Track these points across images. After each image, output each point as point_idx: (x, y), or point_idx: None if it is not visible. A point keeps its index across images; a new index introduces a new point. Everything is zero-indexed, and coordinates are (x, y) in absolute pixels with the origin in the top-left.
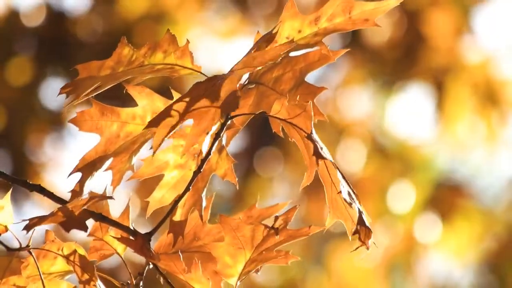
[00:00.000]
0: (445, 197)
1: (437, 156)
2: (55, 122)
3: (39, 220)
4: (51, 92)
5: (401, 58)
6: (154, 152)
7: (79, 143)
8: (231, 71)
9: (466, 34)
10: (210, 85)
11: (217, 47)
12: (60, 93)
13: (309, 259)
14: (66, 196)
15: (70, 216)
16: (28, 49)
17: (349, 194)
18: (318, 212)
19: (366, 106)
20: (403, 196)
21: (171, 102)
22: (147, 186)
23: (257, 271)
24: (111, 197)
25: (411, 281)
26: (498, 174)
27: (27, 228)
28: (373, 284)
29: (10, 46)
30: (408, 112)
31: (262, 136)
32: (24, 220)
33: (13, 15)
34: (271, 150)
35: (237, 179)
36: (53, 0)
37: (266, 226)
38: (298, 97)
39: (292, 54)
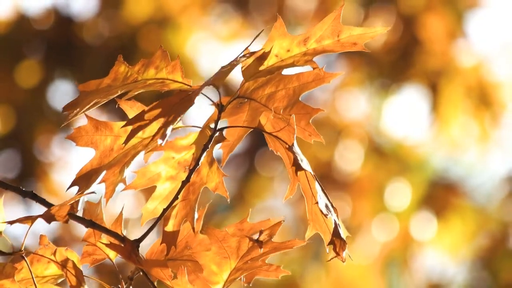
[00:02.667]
0: (440, 196)
1: (432, 156)
2: (62, 123)
3: (26, 218)
4: (59, 94)
5: (397, 61)
6: (125, 143)
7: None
8: (208, 80)
9: (460, 38)
10: (188, 95)
11: (219, 51)
12: (63, 111)
13: (307, 256)
14: (72, 196)
15: (55, 215)
16: (36, 52)
17: (326, 206)
18: None
19: (363, 107)
20: (399, 194)
21: None
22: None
23: (249, 282)
24: (93, 192)
25: (407, 276)
26: (490, 173)
27: (10, 222)
28: (370, 279)
29: (19, 49)
30: (404, 113)
31: (263, 136)
32: (9, 222)
33: (22, 19)
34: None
35: (238, 177)
36: (61, 5)
37: (251, 239)
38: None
39: (284, 72)
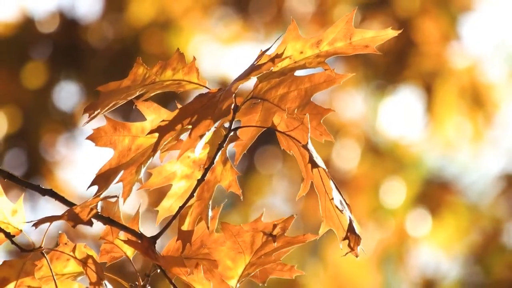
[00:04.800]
0: (434, 193)
1: (427, 154)
2: (68, 122)
3: (48, 219)
4: (64, 95)
5: (392, 63)
6: (153, 153)
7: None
8: (230, 85)
9: (454, 40)
10: (211, 97)
11: (220, 52)
12: (84, 113)
13: (306, 251)
14: (78, 194)
15: (79, 216)
16: (42, 54)
17: (340, 202)
18: (314, 208)
19: (360, 107)
20: (395, 192)
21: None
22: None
23: (263, 282)
24: (115, 196)
25: (402, 271)
26: (483, 171)
27: (35, 225)
28: (367, 274)
29: (26, 51)
30: (399, 114)
31: (263, 135)
32: (36, 220)
33: (29, 22)
34: (271, 148)
35: (238, 175)
36: (66, 8)
37: (264, 233)
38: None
39: (296, 73)
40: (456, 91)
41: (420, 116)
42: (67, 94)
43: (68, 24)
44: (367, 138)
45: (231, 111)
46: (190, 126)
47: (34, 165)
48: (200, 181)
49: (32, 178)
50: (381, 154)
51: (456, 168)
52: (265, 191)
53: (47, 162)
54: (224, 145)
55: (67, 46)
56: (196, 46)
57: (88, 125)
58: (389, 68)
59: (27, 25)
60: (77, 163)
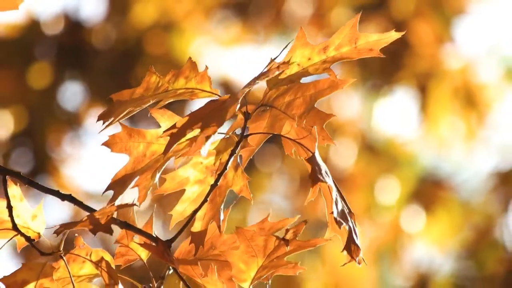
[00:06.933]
0: (428, 191)
1: (421, 153)
2: (72, 121)
3: (69, 225)
4: (69, 95)
5: (388, 64)
6: (164, 154)
7: (94, 141)
8: (238, 92)
9: (447, 42)
10: (221, 104)
11: (220, 54)
12: (98, 120)
13: None
14: (83, 191)
15: (98, 223)
16: (47, 55)
17: (342, 212)
18: (313, 204)
19: (356, 107)
20: (390, 189)
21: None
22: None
23: (266, 279)
24: (134, 204)
25: (397, 266)
26: (476, 169)
27: (57, 232)
28: (362, 269)
29: (31, 52)
30: (395, 113)
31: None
32: (55, 226)
33: (34, 23)
34: (271, 147)
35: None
36: (71, 10)
37: (277, 238)
38: (309, 122)
39: (302, 80)
40: (450, 92)
41: (415, 116)
42: (72, 94)
43: (73, 26)
44: (363, 137)
45: (242, 118)
46: (198, 130)
47: (40, 163)
48: (213, 186)
49: (38, 176)
50: (377, 153)
51: (450, 166)
52: (265, 188)
53: (52, 160)
54: (237, 152)
55: (72, 47)
56: (198, 48)
57: (96, 126)
58: (384, 69)
59: (32, 27)
60: (82, 161)
